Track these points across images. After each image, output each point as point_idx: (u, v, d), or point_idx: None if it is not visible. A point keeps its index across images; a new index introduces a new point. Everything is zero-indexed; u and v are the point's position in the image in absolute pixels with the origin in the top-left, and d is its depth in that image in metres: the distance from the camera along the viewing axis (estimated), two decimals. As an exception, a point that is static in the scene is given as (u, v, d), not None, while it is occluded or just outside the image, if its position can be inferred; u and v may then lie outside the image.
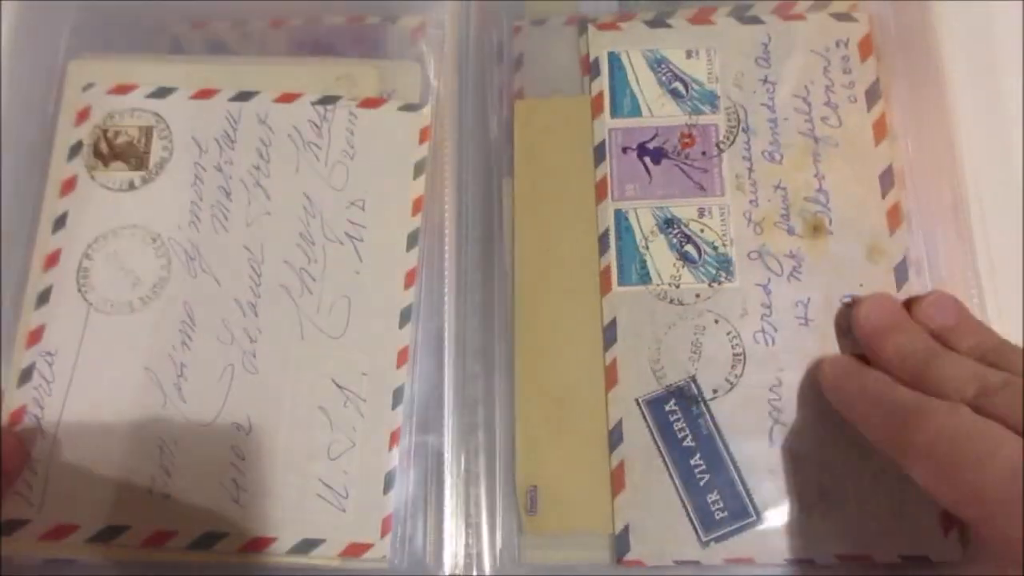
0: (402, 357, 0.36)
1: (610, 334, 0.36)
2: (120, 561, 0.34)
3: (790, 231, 0.37)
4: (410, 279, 0.37)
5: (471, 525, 0.35)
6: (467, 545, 0.34)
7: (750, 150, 0.38)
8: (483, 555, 0.34)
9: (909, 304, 0.34)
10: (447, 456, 0.35)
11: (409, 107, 0.39)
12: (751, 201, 0.37)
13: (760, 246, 0.37)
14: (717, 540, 0.33)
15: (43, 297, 0.37)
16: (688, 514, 0.34)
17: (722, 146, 0.38)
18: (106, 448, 0.35)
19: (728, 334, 0.36)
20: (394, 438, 0.35)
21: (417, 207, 0.38)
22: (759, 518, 0.33)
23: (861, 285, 0.36)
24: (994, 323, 0.34)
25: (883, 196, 0.37)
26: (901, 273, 0.36)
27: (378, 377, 0.36)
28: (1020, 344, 0.31)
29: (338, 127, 0.39)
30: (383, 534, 0.34)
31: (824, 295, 0.36)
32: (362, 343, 0.36)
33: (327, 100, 0.39)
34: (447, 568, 0.34)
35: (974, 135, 0.36)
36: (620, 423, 0.35)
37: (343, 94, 0.39)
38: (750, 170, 0.37)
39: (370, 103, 0.39)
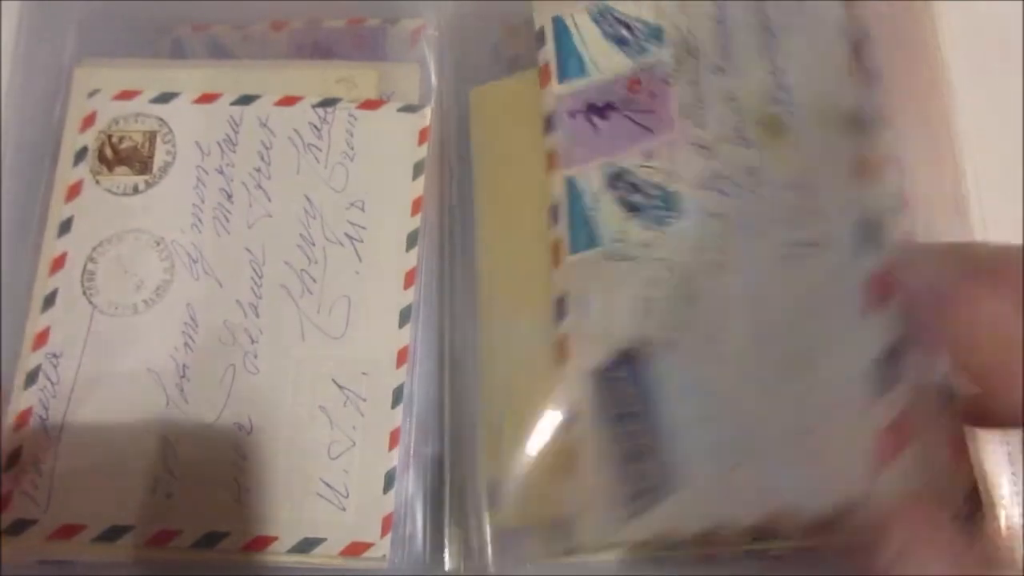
0: (402, 357, 0.36)
1: (560, 309, 0.35)
2: (124, 561, 0.34)
3: (748, 145, 0.33)
4: (410, 279, 0.37)
5: (471, 525, 0.35)
6: (467, 544, 0.35)
7: (698, 71, 0.35)
8: (482, 554, 0.34)
9: None
10: (447, 455, 0.35)
11: (408, 108, 0.39)
12: (699, 125, 0.34)
13: (713, 171, 0.33)
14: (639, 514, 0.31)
15: (49, 300, 0.37)
16: (624, 488, 0.32)
17: (670, 80, 0.35)
18: (110, 448, 0.35)
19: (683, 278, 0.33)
20: (394, 437, 0.35)
21: (417, 207, 0.38)
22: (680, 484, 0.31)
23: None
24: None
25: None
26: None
27: (378, 377, 0.36)
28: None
29: (338, 129, 0.39)
30: (383, 533, 0.34)
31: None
32: (362, 343, 0.36)
33: (327, 103, 0.39)
34: (447, 567, 0.34)
35: (974, 127, 0.35)
36: (573, 401, 0.33)
37: (343, 96, 0.40)
38: (698, 93, 0.35)
39: (370, 105, 0.39)
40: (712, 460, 0.31)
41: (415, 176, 0.38)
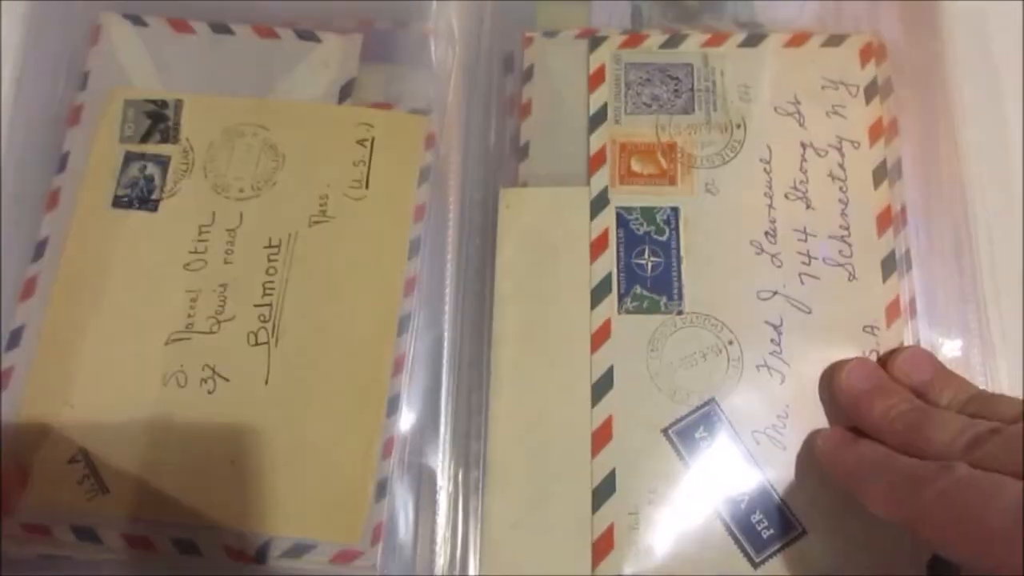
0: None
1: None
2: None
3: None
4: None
5: (463, 535, 0.35)
6: (458, 555, 0.34)
7: None
8: (471, 564, 0.34)
9: (884, 362, 0.34)
10: (441, 466, 0.35)
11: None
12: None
13: None
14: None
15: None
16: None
17: None
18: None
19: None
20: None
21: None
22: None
23: None
24: (998, 348, 0.35)
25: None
26: None
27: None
28: (1003, 392, 0.33)
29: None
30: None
31: None
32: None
33: (336, 104, 0.39)
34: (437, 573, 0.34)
35: (975, 128, 0.36)
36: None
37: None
38: None
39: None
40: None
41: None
